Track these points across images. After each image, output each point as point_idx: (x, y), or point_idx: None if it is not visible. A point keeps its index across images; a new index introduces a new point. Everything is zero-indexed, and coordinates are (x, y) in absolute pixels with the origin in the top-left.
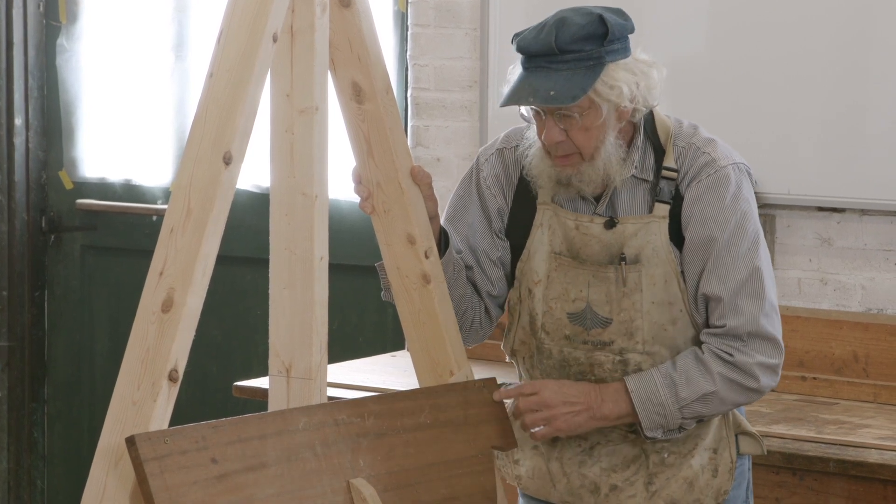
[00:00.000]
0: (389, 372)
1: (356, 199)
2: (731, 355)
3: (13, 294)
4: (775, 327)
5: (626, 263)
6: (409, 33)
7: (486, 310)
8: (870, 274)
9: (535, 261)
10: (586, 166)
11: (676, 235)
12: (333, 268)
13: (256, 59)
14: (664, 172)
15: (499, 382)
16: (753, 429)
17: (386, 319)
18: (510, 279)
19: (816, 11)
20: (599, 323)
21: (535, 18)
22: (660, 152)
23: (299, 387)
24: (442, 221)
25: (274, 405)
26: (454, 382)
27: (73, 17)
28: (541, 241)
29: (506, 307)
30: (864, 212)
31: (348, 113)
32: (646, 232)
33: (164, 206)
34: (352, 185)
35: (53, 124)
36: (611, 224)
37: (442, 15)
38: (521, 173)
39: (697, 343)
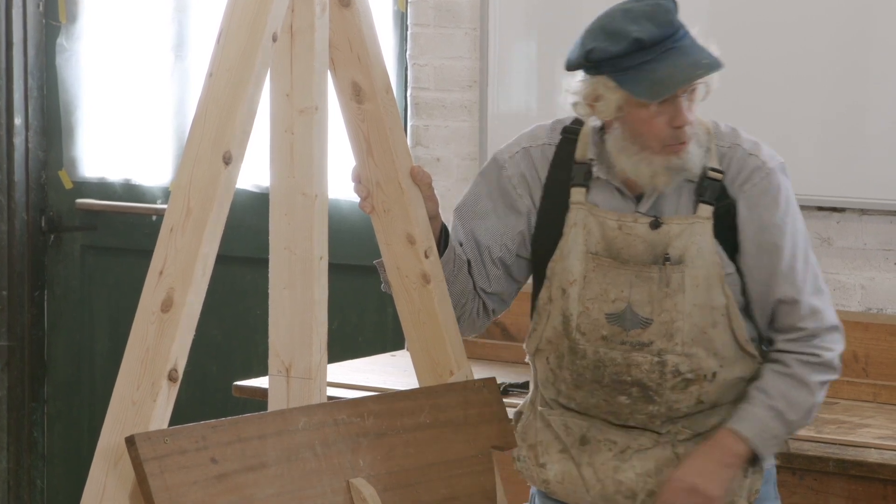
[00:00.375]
0: (389, 372)
1: (356, 198)
2: (818, 356)
3: (13, 294)
4: (835, 314)
5: (670, 263)
6: (408, 33)
7: (483, 304)
8: (869, 274)
9: (570, 260)
10: (691, 145)
11: (721, 237)
12: (333, 267)
13: (256, 58)
14: (710, 173)
15: (498, 382)
16: None
17: (386, 319)
18: (510, 280)
19: (816, 11)
20: (639, 323)
21: (535, 18)
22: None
23: (299, 386)
24: (452, 211)
25: (274, 405)
26: (454, 382)
27: (72, 16)
28: (575, 241)
29: (534, 306)
30: (863, 212)
31: (348, 113)
32: (690, 233)
33: (164, 206)
34: (352, 184)
35: (53, 124)
36: (656, 224)
37: (442, 15)
38: (548, 170)
39: (736, 347)
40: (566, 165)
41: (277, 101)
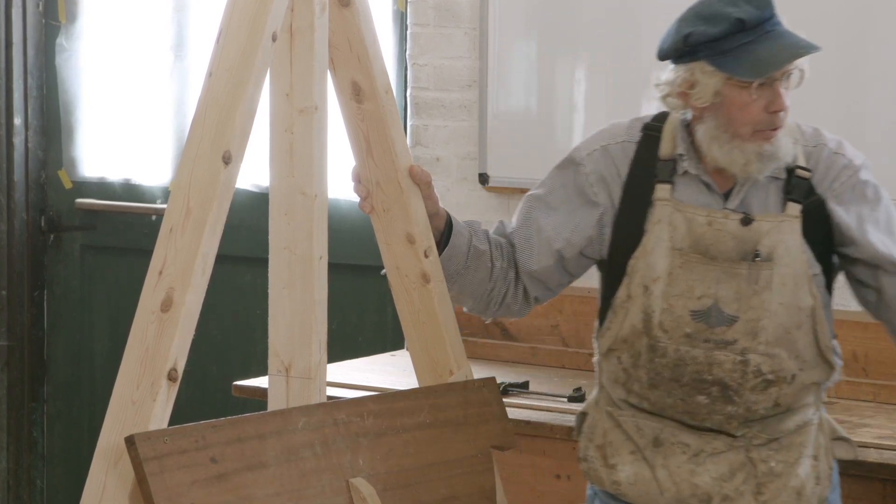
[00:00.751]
0: (389, 371)
1: (356, 198)
2: None
3: (13, 294)
4: None
5: (760, 260)
6: (408, 33)
7: (525, 290)
8: None
9: (654, 257)
10: (782, 133)
11: (809, 237)
12: (333, 267)
13: (256, 58)
14: (798, 172)
15: (498, 382)
16: (846, 433)
17: (385, 319)
18: (563, 271)
19: (816, 12)
20: (725, 321)
21: (535, 18)
22: None
23: (299, 386)
24: (523, 197)
25: (273, 405)
26: (454, 382)
27: (72, 16)
28: (660, 238)
29: (606, 305)
30: None
31: (348, 112)
32: (779, 231)
33: (164, 206)
34: (351, 184)
35: (53, 124)
36: (747, 220)
37: (441, 14)
38: (630, 167)
39: (817, 352)
40: (649, 162)
41: (277, 100)
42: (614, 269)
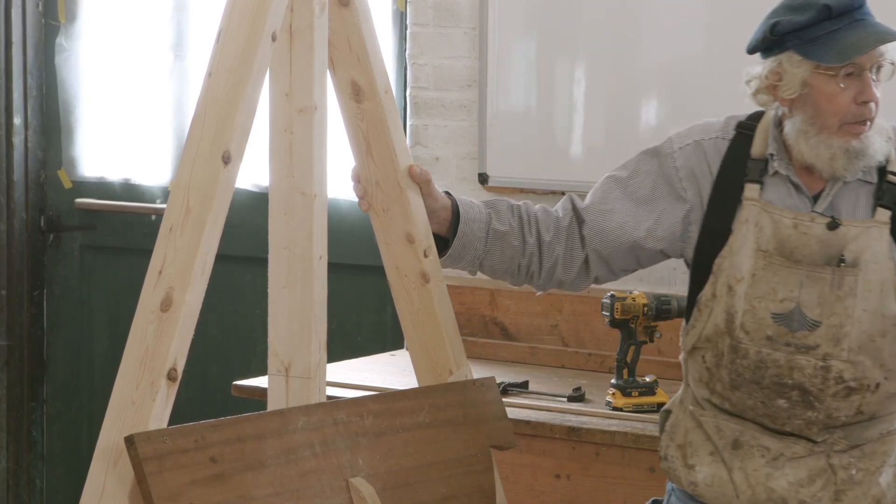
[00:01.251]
0: (388, 371)
1: (355, 198)
2: None
3: (12, 293)
4: None
5: (845, 265)
6: (408, 32)
7: (587, 265)
8: None
9: (740, 257)
10: (872, 131)
11: None
12: (332, 267)
13: (255, 58)
14: (889, 177)
15: (497, 382)
16: None
17: (385, 319)
18: (632, 257)
19: None
20: (807, 325)
21: (535, 18)
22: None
23: (298, 386)
24: (606, 177)
25: (273, 404)
26: (453, 382)
27: (71, 16)
28: (746, 238)
29: (692, 302)
30: None
31: (347, 112)
32: (867, 236)
33: (164, 206)
34: (351, 184)
35: (52, 123)
36: (834, 225)
37: (441, 14)
38: (720, 164)
39: None
40: (740, 161)
41: (277, 100)
42: (701, 268)
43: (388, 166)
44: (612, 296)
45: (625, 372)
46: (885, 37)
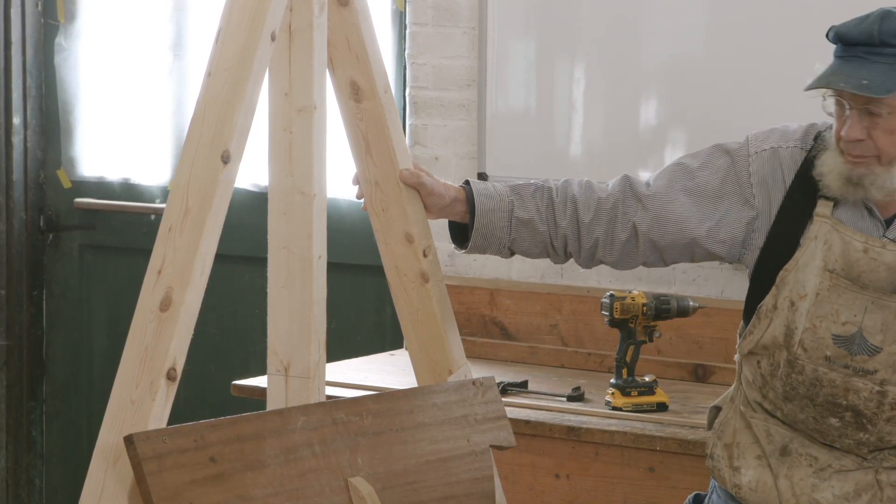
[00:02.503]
0: (388, 371)
1: (355, 198)
2: None
3: (11, 293)
4: None
5: None
6: (407, 32)
7: (637, 247)
8: None
9: (805, 273)
10: (881, 170)
11: None
12: (332, 267)
13: (255, 57)
14: None
15: (497, 381)
16: None
17: (384, 318)
18: (684, 251)
19: (815, 10)
20: (867, 350)
21: (534, 17)
22: None
23: (298, 386)
24: (675, 163)
25: (272, 404)
26: (453, 381)
27: (71, 15)
28: (813, 255)
29: (752, 307)
30: None
31: (347, 112)
32: None
33: (163, 205)
34: (351, 184)
35: (52, 123)
36: None
37: (440, 14)
38: (795, 175)
39: None
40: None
41: (276, 100)
42: (763, 276)
43: (388, 166)
44: (612, 295)
45: (624, 371)
46: (836, 82)
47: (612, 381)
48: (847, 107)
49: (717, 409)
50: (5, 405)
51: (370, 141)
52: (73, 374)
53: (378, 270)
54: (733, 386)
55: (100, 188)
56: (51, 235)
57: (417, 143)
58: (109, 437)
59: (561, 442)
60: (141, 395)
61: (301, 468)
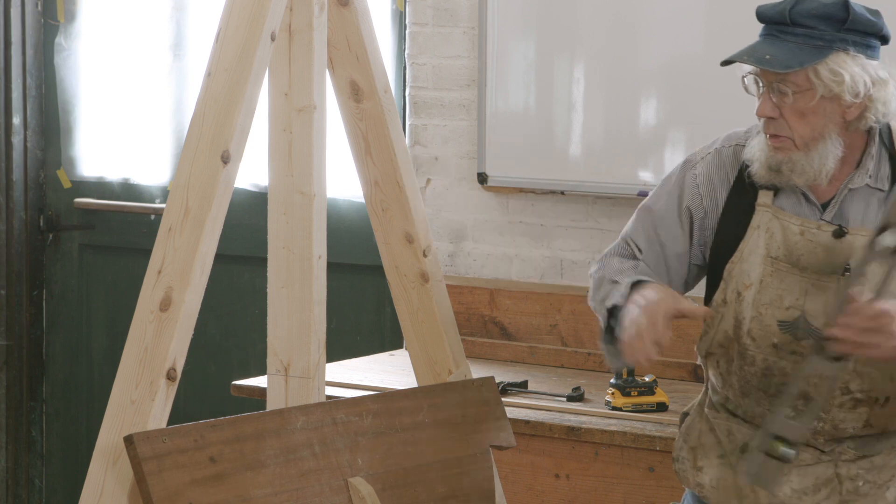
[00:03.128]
0: (388, 371)
1: (354, 198)
2: None
3: (11, 293)
4: None
5: (849, 274)
6: (407, 32)
7: None
8: None
9: (749, 263)
10: (799, 156)
11: None
12: (331, 266)
13: (255, 58)
14: None
15: (497, 381)
16: None
17: (384, 318)
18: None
19: None
20: (812, 334)
21: (534, 17)
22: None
23: (297, 386)
24: (636, 211)
25: (272, 404)
26: (452, 381)
27: (71, 15)
28: (756, 244)
29: (710, 307)
30: None
31: (346, 112)
32: None
33: (163, 205)
34: (350, 184)
35: (51, 123)
36: (840, 233)
37: (440, 14)
38: (738, 171)
39: None
40: None
41: (276, 100)
42: (714, 273)
43: (388, 166)
44: None
45: (624, 372)
46: (742, 57)
47: (612, 381)
48: (760, 85)
49: (685, 415)
50: (5, 405)
51: (370, 141)
52: (72, 374)
53: (378, 270)
54: (702, 392)
55: (100, 188)
56: (51, 235)
57: (417, 143)
58: (109, 437)
59: (561, 442)
60: (141, 395)
61: (301, 468)
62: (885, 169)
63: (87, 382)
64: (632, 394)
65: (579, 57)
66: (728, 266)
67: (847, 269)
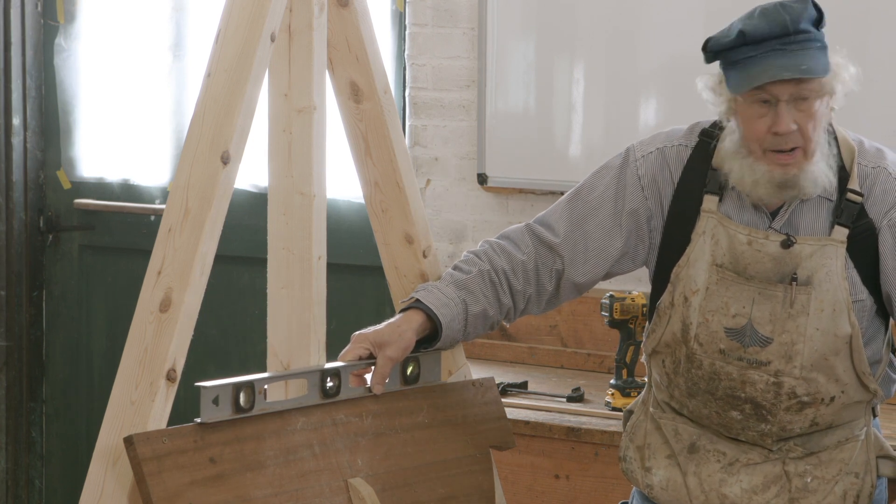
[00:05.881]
0: None
1: (354, 198)
2: None
3: (11, 294)
4: None
5: (797, 284)
6: (406, 33)
7: (557, 295)
8: None
9: (695, 269)
10: (808, 164)
11: (856, 261)
12: (331, 267)
13: (254, 58)
14: (849, 195)
15: (497, 382)
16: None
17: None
18: (604, 274)
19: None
20: (759, 341)
21: (534, 18)
22: (843, 171)
23: (297, 386)
24: (564, 199)
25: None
26: (452, 382)
27: (70, 16)
28: (702, 250)
29: (653, 307)
30: None
31: (346, 112)
32: (822, 255)
33: (162, 206)
34: (350, 184)
35: (51, 124)
36: (788, 243)
37: (440, 14)
38: (682, 172)
39: (857, 377)
40: (701, 170)
41: (275, 100)
42: (661, 274)
43: (387, 167)
44: (612, 296)
45: (624, 372)
46: (779, 74)
47: (612, 381)
48: (775, 102)
49: (629, 413)
50: (5, 405)
51: (370, 142)
52: (72, 374)
53: (378, 271)
54: (644, 389)
55: (99, 189)
56: (50, 236)
57: (417, 143)
58: (109, 437)
59: (560, 442)
60: (141, 395)
61: (301, 469)
62: (834, 178)
63: (87, 383)
64: (631, 394)
65: (579, 57)
66: (675, 269)
67: (794, 278)
